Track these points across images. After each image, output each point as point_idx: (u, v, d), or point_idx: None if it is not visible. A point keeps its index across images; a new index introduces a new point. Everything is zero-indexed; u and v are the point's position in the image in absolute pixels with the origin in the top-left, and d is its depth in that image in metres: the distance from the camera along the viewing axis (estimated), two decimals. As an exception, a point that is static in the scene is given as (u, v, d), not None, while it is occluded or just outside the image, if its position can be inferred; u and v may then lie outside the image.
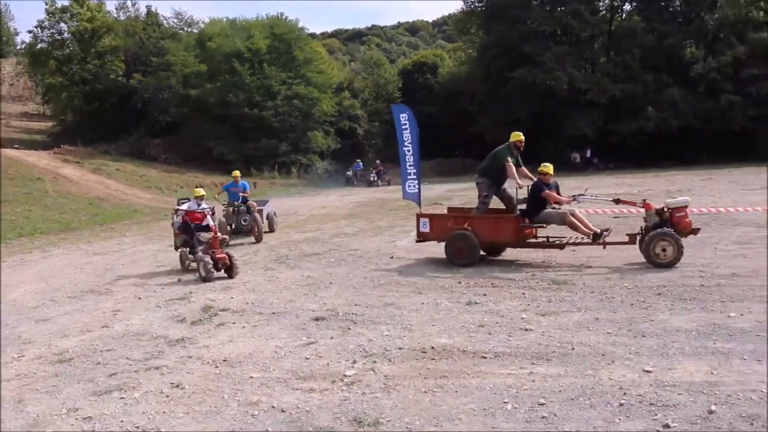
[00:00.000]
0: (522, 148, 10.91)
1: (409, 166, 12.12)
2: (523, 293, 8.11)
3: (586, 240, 10.19)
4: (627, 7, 48.84)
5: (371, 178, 37.53)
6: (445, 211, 12.54)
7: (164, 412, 5.04)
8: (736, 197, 17.18)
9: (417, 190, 12.06)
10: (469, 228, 10.44)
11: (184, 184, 35.18)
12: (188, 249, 11.81)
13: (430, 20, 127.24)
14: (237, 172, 16.72)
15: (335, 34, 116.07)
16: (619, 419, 4.41)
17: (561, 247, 10.42)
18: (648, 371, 5.20)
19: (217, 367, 6.03)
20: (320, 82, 46.77)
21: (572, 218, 10.27)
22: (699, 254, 9.94)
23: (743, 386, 4.80)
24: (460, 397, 4.95)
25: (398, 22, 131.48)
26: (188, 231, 11.93)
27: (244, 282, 10.13)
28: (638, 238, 9.93)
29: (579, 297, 7.76)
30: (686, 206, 9.85)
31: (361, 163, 41.49)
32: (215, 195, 17.32)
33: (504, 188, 10.98)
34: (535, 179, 10.68)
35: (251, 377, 5.67)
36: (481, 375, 5.34)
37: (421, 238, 11.27)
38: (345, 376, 5.54)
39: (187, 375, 5.85)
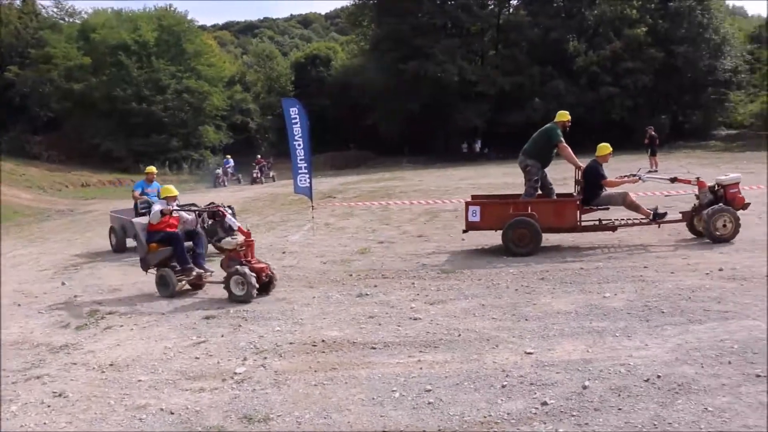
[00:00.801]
0: (568, 129, 10.65)
1: (300, 160, 12.13)
2: (413, 283, 8.28)
3: (639, 220, 10.18)
4: (514, 1, 50.53)
5: (254, 175, 34.77)
6: (341, 203, 12.49)
7: (45, 423, 4.85)
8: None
9: (308, 184, 12.09)
10: (534, 214, 9.89)
11: (69, 183, 33.71)
12: (176, 266, 8.93)
13: (323, 12, 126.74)
14: (153, 168, 13.88)
15: (226, 26, 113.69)
16: (501, 400, 4.60)
17: (613, 229, 10.22)
18: (529, 353, 5.45)
19: (103, 372, 5.85)
20: (211, 76, 45.92)
21: (633, 198, 10.15)
22: (580, 239, 10.47)
23: (614, 361, 5.13)
24: (349, 388, 5.02)
25: (291, 15, 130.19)
26: (175, 241, 9.00)
27: (132, 283, 9.79)
28: (691, 216, 10.17)
29: (466, 285, 8.00)
30: (738, 183, 10.06)
31: (231, 160, 36.78)
32: (134, 197, 13.60)
33: (545, 173, 10.64)
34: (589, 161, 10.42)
35: (139, 380, 5.54)
36: (371, 365, 5.44)
37: (470, 228, 10.35)
38: (235, 373, 5.50)
39: (71, 382, 5.64)
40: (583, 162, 10.47)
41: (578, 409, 4.37)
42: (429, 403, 4.64)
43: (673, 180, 10.84)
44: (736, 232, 9.64)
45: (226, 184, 33.67)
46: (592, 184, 10.17)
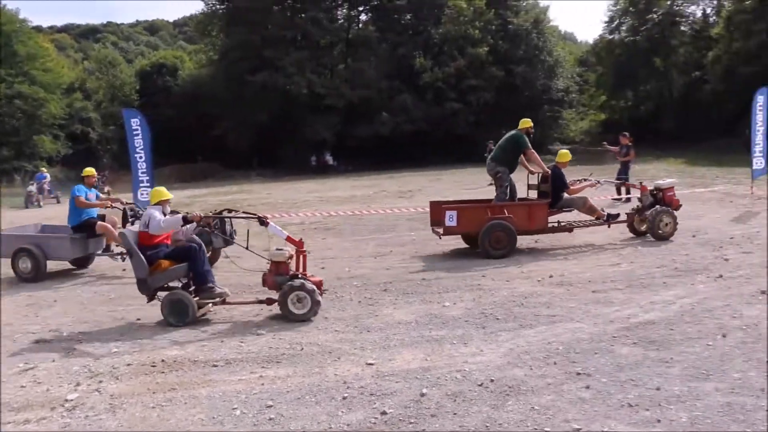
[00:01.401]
0: (532, 135, 11.18)
1: (142, 173, 11.71)
2: (257, 298, 8.15)
3: (591, 221, 11.11)
4: (363, 17, 51.58)
5: None
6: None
7: None
8: (458, 195, 18.81)
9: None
10: (511, 217, 10.24)
11: None
12: (193, 287, 7.49)
13: (171, 20, 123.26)
14: (92, 171, 11.09)
15: (66, 29, 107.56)
16: (342, 412, 4.65)
17: (570, 230, 11.04)
18: (370, 364, 5.54)
19: None
20: (47, 82, 43.23)
21: (591, 203, 11.15)
22: (424, 250, 10.80)
23: (451, 368, 5.33)
24: (189, 408, 4.88)
25: (137, 20, 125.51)
26: (193, 255, 7.44)
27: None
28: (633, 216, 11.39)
29: (311, 298, 8.01)
30: (673, 186, 11.43)
31: (47, 174, 30.85)
32: (82, 204, 10.67)
33: (510, 177, 11.00)
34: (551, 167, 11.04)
35: (-49, 417, 5.07)
36: (212, 384, 5.31)
37: (447, 232, 10.43)
38: (66, 400, 5.16)
39: None
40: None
41: (416, 416, 4.50)
42: (270, 419, 4.60)
43: (595, 183, 11.91)
44: (675, 230, 10.92)
45: (41, 204, 27.04)
46: (556, 188, 10.87)
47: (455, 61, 43.19)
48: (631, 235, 11.41)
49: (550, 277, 8.55)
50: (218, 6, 49.32)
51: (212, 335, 6.68)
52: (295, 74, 42.18)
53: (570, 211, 11.25)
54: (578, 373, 5.09)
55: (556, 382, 4.95)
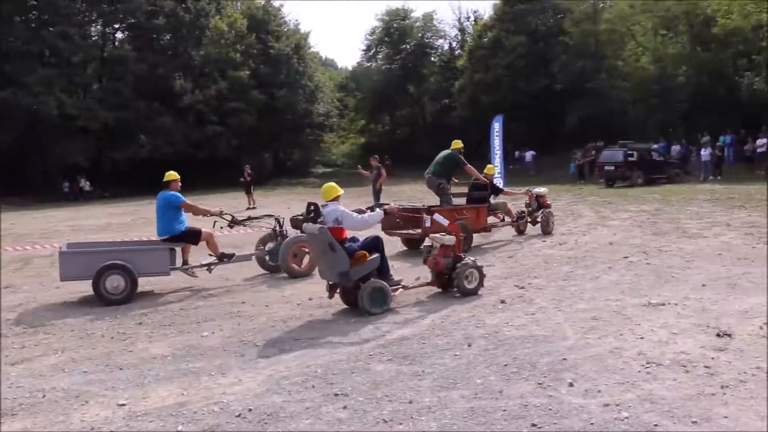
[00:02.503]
0: (464, 152, 13.21)
1: None
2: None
3: (503, 221, 13.51)
4: (119, 34, 49.35)
5: None
6: None
7: None
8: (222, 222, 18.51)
9: None
10: (470, 217, 12.13)
11: None
12: (380, 276, 8.02)
13: None
14: (175, 174, 10.47)
15: None
16: (88, 460, 4.35)
17: (489, 230, 13.06)
18: (122, 405, 5.22)
19: None
20: None
21: (509, 207, 13.81)
22: (181, 278, 10.46)
23: (208, 401, 5.20)
24: None
25: None
26: (382, 246, 8.13)
27: None
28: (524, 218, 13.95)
29: (57, 338, 7.35)
30: (546, 193, 14.37)
31: None
32: (203, 212, 10.38)
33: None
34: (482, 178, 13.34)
35: None
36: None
37: (424, 233, 11.27)
38: None
39: None
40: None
41: (169, 455, 4.35)
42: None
43: (527, 192, 14.55)
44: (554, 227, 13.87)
45: None
46: (492, 194, 13.39)
47: (217, 84, 42.81)
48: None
49: (310, 299, 8.67)
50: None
51: (-66, 388, 5.89)
52: (43, 93, 38.97)
53: (497, 214, 13.40)
54: (336, 395, 5.19)
55: (315, 405, 5.01)
